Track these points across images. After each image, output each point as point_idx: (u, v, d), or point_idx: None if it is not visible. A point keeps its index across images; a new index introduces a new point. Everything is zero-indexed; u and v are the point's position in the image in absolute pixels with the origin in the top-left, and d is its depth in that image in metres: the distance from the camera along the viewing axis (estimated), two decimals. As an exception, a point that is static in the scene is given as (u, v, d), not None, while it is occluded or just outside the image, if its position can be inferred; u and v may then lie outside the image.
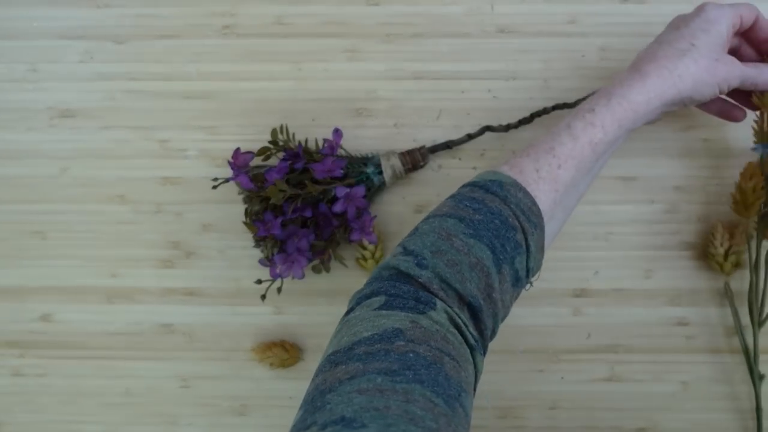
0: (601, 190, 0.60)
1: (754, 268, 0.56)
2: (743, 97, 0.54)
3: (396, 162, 0.58)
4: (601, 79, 0.60)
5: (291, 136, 0.59)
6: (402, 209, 0.61)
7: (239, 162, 0.57)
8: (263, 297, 0.57)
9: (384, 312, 0.39)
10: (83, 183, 0.62)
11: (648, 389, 0.60)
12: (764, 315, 0.56)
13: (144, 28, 0.62)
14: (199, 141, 0.62)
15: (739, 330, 0.57)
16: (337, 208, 0.55)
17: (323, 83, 0.61)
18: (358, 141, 0.60)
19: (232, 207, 0.60)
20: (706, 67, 0.48)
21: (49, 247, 0.62)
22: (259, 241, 0.57)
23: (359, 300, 0.41)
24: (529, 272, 0.44)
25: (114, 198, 0.62)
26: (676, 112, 0.52)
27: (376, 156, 0.59)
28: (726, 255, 0.57)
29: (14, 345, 0.62)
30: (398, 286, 0.40)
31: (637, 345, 0.60)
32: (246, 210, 0.58)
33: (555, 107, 0.58)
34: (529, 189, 0.43)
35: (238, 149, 0.57)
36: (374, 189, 0.58)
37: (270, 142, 0.57)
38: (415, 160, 0.59)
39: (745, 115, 0.55)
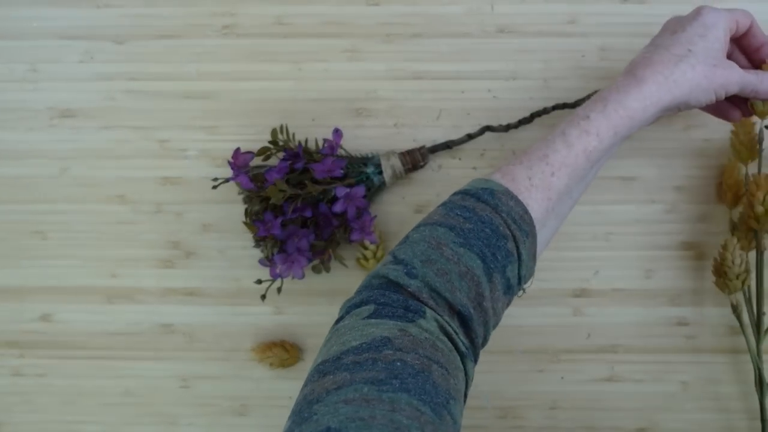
0: (601, 190, 0.60)
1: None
2: (740, 99, 0.53)
3: (396, 162, 0.58)
4: (601, 79, 0.60)
5: (291, 136, 0.59)
6: (402, 209, 0.61)
7: (239, 162, 0.57)
8: (263, 297, 0.57)
9: (373, 321, 0.38)
10: (83, 183, 0.62)
11: (648, 389, 0.60)
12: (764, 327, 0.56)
13: (144, 28, 0.62)
14: (199, 141, 0.62)
15: (754, 355, 0.56)
16: (337, 208, 0.55)
17: (323, 83, 0.61)
18: (358, 141, 0.60)
19: (232, 207, 0.60)
20: (704, 73, 0.47)
21: (49, 247, 0.62)
22: (259, 241, 0.57)
23: (349, 309, 0.41)
24: (521, 280, 0.44)
25: (114, 198, 0.62)
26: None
27: (376, 156, 0.58)
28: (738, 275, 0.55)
29: (14, 345, 0.62)
30: (388, 294, 0.40)
31: (636, 345, 0.60)
32: (246, 210, 0.58)
33: (555, 107, 0.58)
34: (521, 197, 0.43)
35: (238, 149, 0.57)
36: (374, 189, 0.58)
37: (270, 142, 0.57)
38: (415, 160, 0.59)
39: (741, 115, 0.54)
